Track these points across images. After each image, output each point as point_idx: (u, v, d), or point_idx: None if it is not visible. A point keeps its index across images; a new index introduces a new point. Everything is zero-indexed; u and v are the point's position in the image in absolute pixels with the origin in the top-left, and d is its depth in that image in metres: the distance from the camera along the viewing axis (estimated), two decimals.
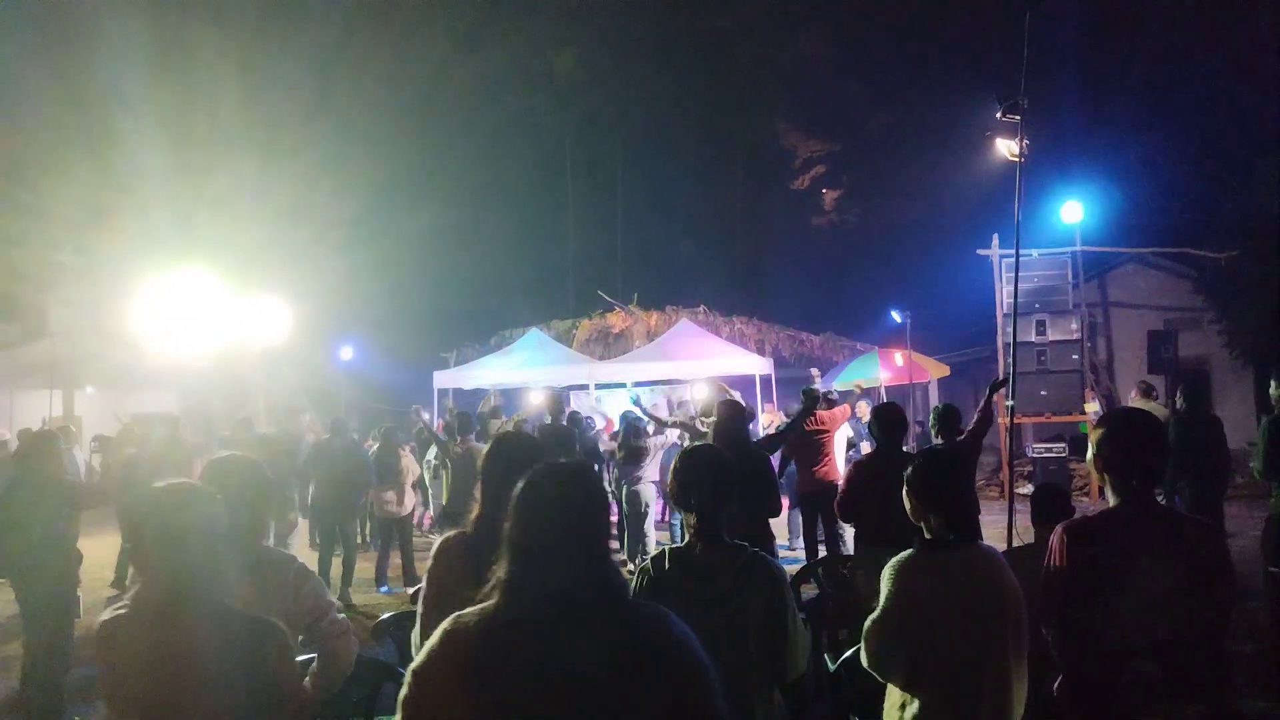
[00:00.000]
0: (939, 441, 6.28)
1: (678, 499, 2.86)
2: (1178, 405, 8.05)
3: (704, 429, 9.18)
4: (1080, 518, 2.77)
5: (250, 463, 3.09)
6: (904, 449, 5.75)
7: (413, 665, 1.77)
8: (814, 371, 13.91)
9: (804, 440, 8.98)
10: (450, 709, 1.70)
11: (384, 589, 9.37)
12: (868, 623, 2.94)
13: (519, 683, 1.68)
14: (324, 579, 8.98)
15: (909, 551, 2.96)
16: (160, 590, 2.40)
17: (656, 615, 1.80)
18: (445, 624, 1.79)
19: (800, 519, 9.78)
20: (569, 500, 1.83)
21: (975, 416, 6.15)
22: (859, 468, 5.70)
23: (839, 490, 5.87)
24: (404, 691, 1.76)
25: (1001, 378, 7.71)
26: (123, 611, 2.44)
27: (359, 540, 10.88)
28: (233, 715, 2.37)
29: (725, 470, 2.86)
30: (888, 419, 5.70)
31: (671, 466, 2.94)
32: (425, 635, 2.75)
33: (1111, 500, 2.76)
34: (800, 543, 9.97)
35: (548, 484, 1.86)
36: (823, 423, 9.11)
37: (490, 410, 12.72)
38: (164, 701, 2.35)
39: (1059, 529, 2.77)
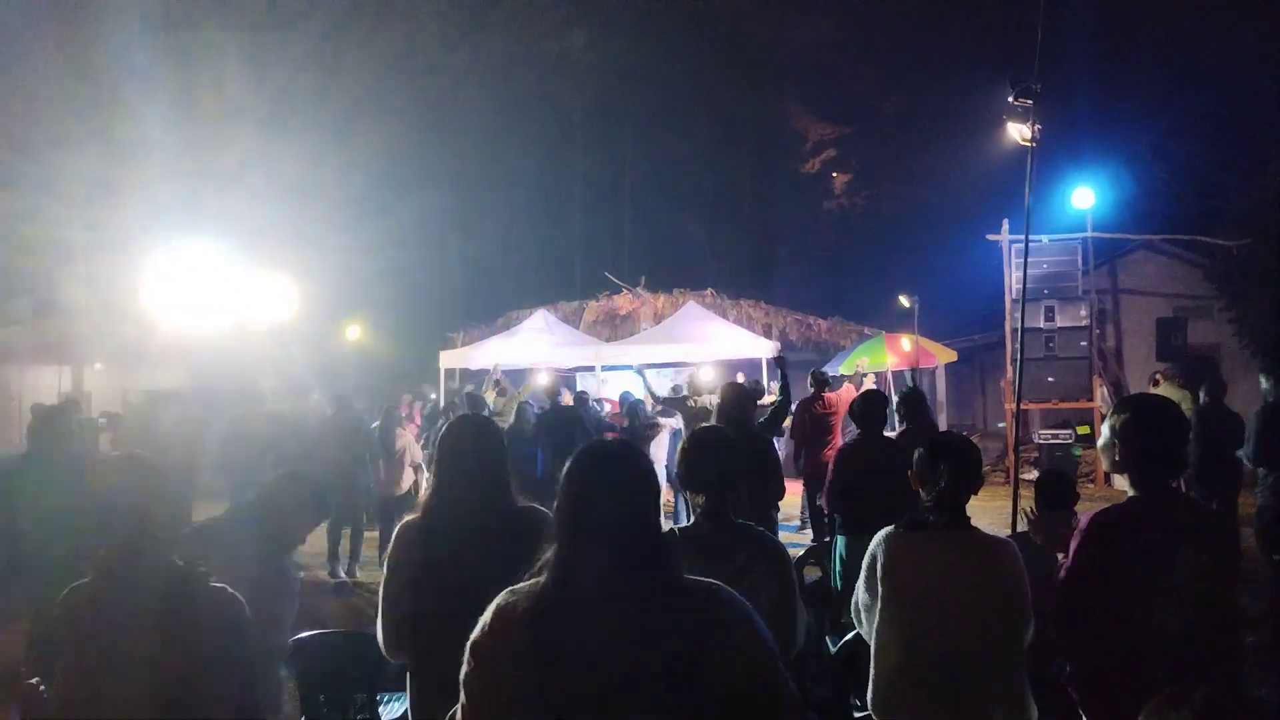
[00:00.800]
0: (905, 426, 6.44)
1: (685, 480, 2.90)
2: (1201, 399, 8.08)
3: (694, 404, 9.25)
4: (1105, 510, 2.71)
5: (150, 465, 3.07)
6: (885, 435, 5.79)
7: (470, 640, 1.78)
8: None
9: (811, 423, 9.01)
10: (510, 683, 1.72)
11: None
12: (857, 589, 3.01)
13: (578, 659, 1.70)
14: (334, 556, 9.13)
15: (893, 527, 3.01)
16: (113, 550, 2.45)
17: (714, 589, 1.81)
18: (498, 599, 1.81)
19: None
20: (618, 477, 1.84)
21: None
22: (841, 456, 5.74)
23: (825, 481, 5.91)
24: (464, 669, 1.78)
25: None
26: (76, 585, 2.47)
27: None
28: (185, 685, 2.35)
29: (732, 451, 2.90)
30: (866, 406, 5.74)
31: (679, 448, 2.98)
32: (385, 622, 2.76)
33: (1130, 490, 2.71)
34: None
35: (595, 462, 1.88)
36: (830, 405, 9.14)
37: (492, 384, 12.72)
38: (115, 665, 2.34)
39: (1084, 522, 2.70)
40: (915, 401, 6.62)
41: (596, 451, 1.91)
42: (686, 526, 2.87)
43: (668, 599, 1.75)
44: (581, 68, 31.61)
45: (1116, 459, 2.72)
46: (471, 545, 2.65)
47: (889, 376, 15.47)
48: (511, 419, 9.82)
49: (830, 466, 5.87)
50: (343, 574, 9.13)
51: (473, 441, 2.91)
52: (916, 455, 3.06)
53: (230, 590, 2.50)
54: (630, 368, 14.16)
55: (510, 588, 1.82)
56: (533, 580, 1.81)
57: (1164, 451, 2.69)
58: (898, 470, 3.45)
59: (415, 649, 2.77)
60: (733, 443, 2.94)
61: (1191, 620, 2.56)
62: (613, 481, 1.83)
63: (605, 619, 1.71)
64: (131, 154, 17.83)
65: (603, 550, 1.76)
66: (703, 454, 2.87)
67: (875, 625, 2.94)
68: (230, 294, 13.84)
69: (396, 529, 2.87)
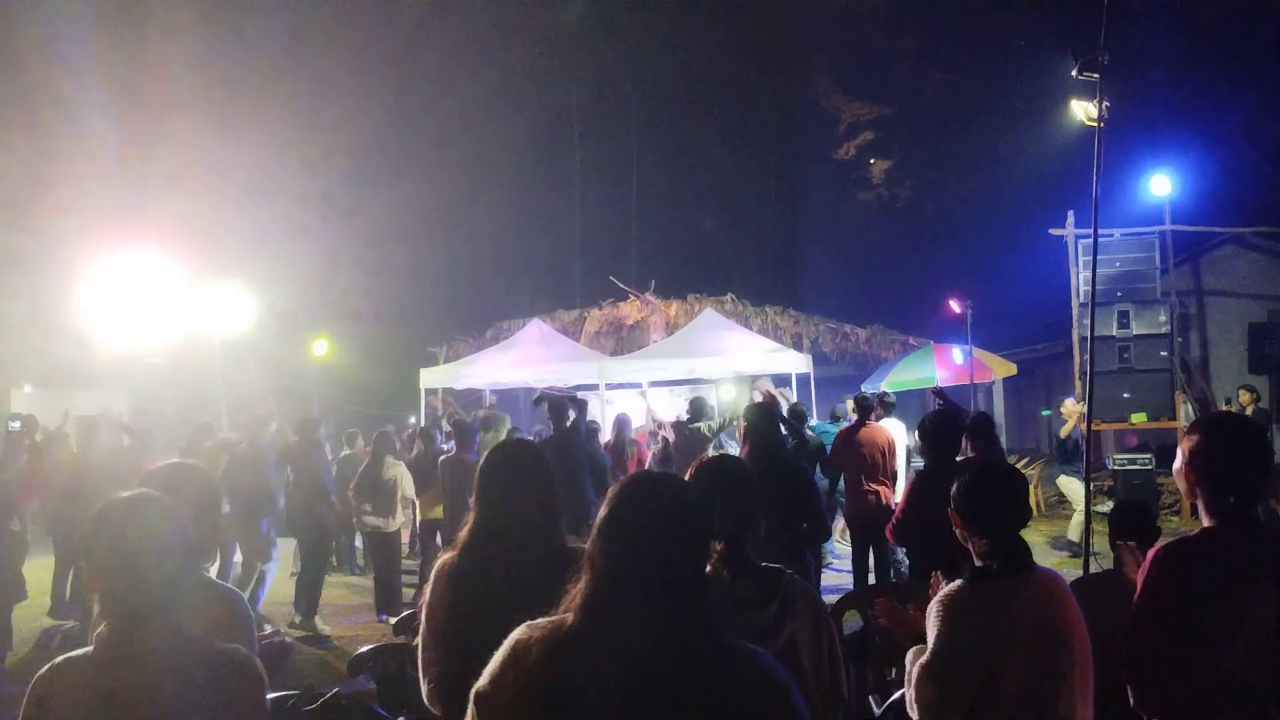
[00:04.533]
0: (973, 454, 6.35)
1: None
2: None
3: (691, 429, 9.21)
4: (1174, 541, 2.72)
5: (201, 472, 3.11)
6: (957, 461, 5.74)
7: (476, 687, 1.82)
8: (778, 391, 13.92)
9: (854, 453, 8.96)
10: None
11: (385, 617, 9.36)
12: (915, 668, 2.94)
13: (593, 711, 1.71)
14: (311, 604, 9.09)
15: (957, 584, 2.96)
16: (115, 621, 2.37)
17: (755, 656, 1.82)
18: (513, 635, 1.84)
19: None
20: (664, 518, 1.84)
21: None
22: (914, 488, 5.70)
23: (894, 512, 5.87)
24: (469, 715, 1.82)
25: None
26: (62, 660, 2.39)
27: (332, 560, 10.99)
28: None
29: (748, 484, 2.88)
30: (933, 430, 5.69)
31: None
32: (426, 674, 2.78)
33: (1205, 520, 2.71)
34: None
35: (640, 499, 1.88)
36: (874, 436, 9.09)
37: (485, 418, 12.73)
38: None
39: (1149, 556, 2.71)
40: (986, 425, 6.58)
41: (640, 486, 1.92)
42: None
43: (705, 659, 1.75)
44: (580, 41, 31.73)
45: (1190, 486, 2.74)
46: (515, 590, 2.65)
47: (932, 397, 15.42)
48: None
49: (902, 498, 5.83)
50: (284, 628, 9.08)
51: (522, 469, 2.95)
52: (956, 490, 3.05)
53: (244, 652, 2.49)
54: (639, 386, 14.14)
55: (529, 622, 1.84)
56: (555, 618, 1.83)
57: (1239, 477, 2.68)
58: None
59: (453, 706, 2.75)
60: (748, 474, 2.92)
61: (1270, 667, 2.55)
62: (662, 518, 1.83)
63: (631, 672, 1.72)
64: (65, 146, 17.94)
65: (640, 594, 1.77)
66: (714, 491, 2.81)
67: (936, 688, 2.91)
68: (177, 306, 13.88)
69: (435, 569, 2.91)
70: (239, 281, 15.09)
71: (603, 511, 1.86)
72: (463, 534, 2.93)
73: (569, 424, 8.61)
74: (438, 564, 2.92)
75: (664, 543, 1.81)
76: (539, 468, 2.98)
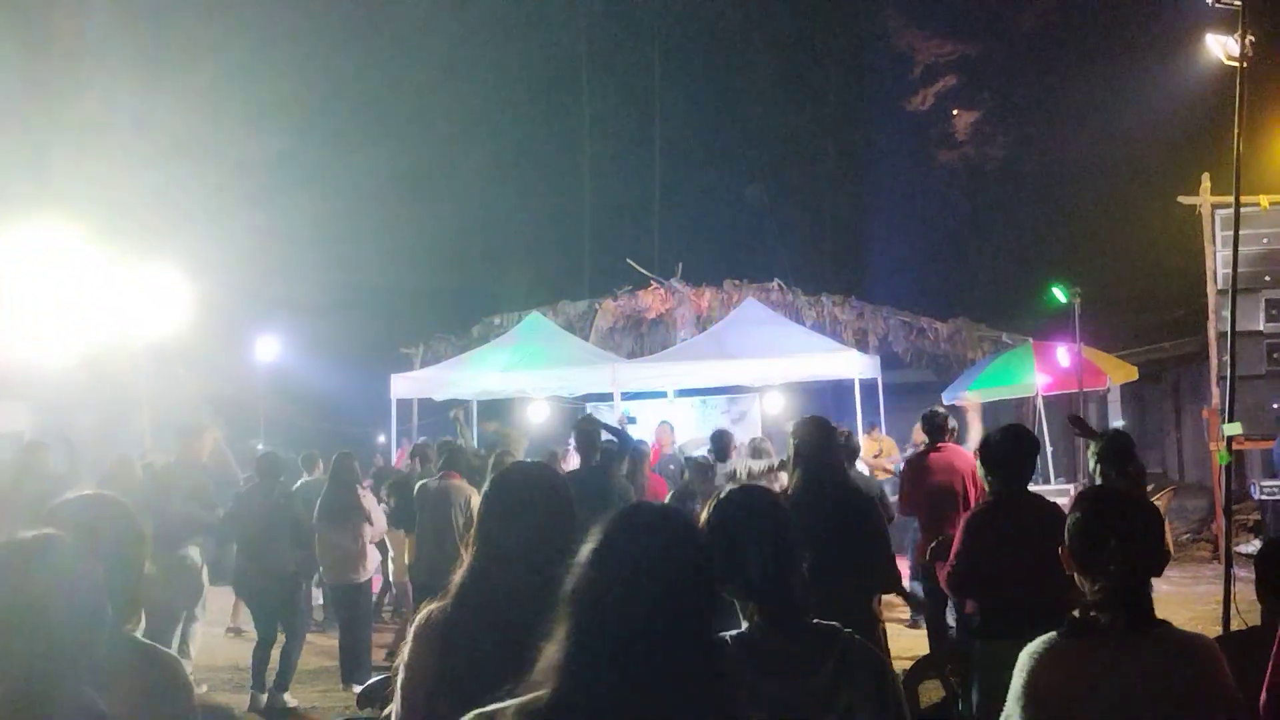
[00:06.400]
0: (1100, 480, 6.33)
1: (721, 569, 2.83)
2: None
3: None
4: None
5: (120, 506, 3.09)
6: (1030, 492, 5.69)
7: None
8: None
9: (927, 486, 8.89)
10: None
11: (350, 684, 9.38)
12: None
13: None
14: (259, 675, 9.18)
15: (1050, 635, 2.96)
16: (10, 689, 2.37)
17: None
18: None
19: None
20: (666, 561, 1.85)
21: None
22: (975, 525, 5.62)
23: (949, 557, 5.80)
24: None
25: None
26: None
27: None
28: None
29: (784, 517, 2.88)
30: (1006, 449, 5.62)
31: (702, 522, 2.90)
32: None
33: None
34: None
35: (634, 537, 1.88)
36: (951, 463, 9.03)
37: (495, 436, 12.75)
38: None
39: None
40: (1123, 450, 6.51)
41: (633, 522, 1.93)
42: (744, 633, 2.82)
43: None
44: None
45: None
46: (513, 653, 2.65)
47: (1037, 404, 15.30)
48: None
49: (957, 538, 5.76)
50: (262, 700, 9.16)
51: (532, 501, 2.94)
52: (1070, 524, 3.04)
53: None
54: (664, 395, 14.10)
55: (483, 710, 1.85)
56: (525, 698, 1.82)
57: None
58: (1058, 544, 3.40)
59: None
60: (780, 505, 2.92)
61: None
62: (654, 566, 1.83)
63: None
64: None
65: (628, 660, 1.76)
66: (740, 531, 2.81)
67: None
68: (90, 298, 13.93)
69: (416, 622, 2.90)
70: (167, 268, 15.15)
71: (588, 554, 1.86)
72: (455, 579, 2.93)
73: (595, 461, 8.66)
74: (420, 615, 2.91)
75: (666, 590, 1.81)
76: (554, 499, 2.98)
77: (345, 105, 26.72)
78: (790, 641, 2.74)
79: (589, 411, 17.44)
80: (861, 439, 12.65)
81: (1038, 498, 5.70)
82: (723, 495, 2.97)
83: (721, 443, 9.92)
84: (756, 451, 9.44)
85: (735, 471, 9.36)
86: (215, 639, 9.78)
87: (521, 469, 3.15)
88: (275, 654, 9.36)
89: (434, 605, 2.91)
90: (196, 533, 9.24)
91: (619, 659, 1.76)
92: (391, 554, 12.23)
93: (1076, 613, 2.97)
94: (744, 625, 2.85)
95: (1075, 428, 8.15)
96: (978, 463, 5.88)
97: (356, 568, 9.71)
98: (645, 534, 1.87)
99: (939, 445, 9.10)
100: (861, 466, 11.31)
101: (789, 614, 2.77)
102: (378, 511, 9.99)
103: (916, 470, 9.06)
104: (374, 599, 11.60)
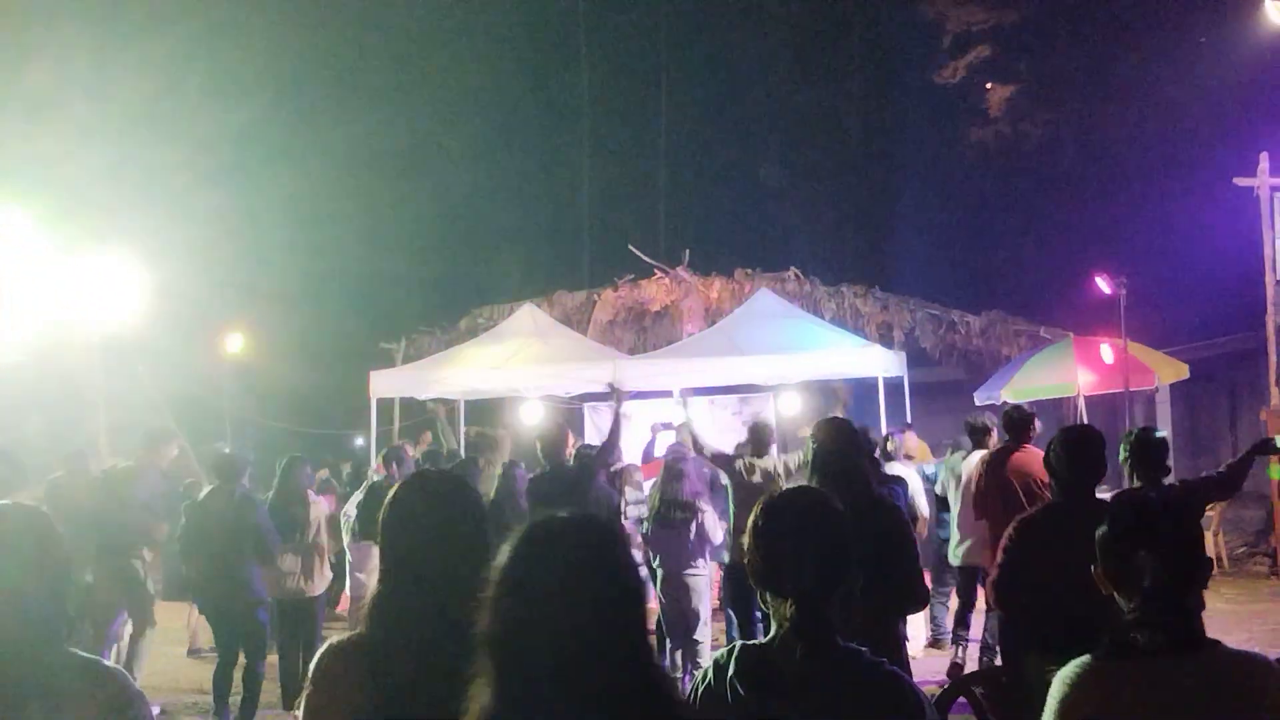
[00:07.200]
0: (1136, 484, 6.35)
1: (762, 575, 2.84)
2: None
3: (749, 471, 9.16)
4: None
5: (39, 517, 3.07)
6: (1096, 497, 5.69)
7: None
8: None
9: (1004, 489, 8.89)
10: None
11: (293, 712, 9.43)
12: None
13: None
14: (221, 700, 9.19)
15: (1085, 658, 2.94)
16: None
17: None
18: None
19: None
20: (590, 573, 1.86)
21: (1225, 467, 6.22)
22: (1023, 530, 5.62)
23: (994, 563, 5.80)
24: None
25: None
26: None
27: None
28: None
29: (840, 530, 2.87)
30: (1072, 451, 5.63)
31: (750, 524, 2.92)
32: None
33: None
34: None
35: (552, 549, 1.90)
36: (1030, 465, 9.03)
37: (476, 438, 12.75)
38: None
39: None
40: (1152, 447, 6.49)
41: (549, 532, 1.94)
42: (760, 646, 2.82)
43: None
44: None
45: None
46: (434, 681, 2.64)
47: (1078, 405, 15.30)
48: (492, 491, 9.79)
49: (1002, 544, 5.76)
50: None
51: (435, 516, 2.93)
52: (1098, 537, 3.05)
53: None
54: (668, 394, 14.07)
55: None
56: None
57: None
58: None
59: None
60: (837, 512, 2.90)
61: None
62: (577, 580, 1.85)
63: None
64: None
65: (558, 697, 1.77)
66: (790, 536, 2.82)
67: None
68: (40, 286, 13.93)
69: (319, 654, 2.90)
70: (124, 254, 15.15)
71: (500, 572, 1.87)
72: (365, 607, 2.95)
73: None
74: (324, 649, 2.92)
75: (593, 605, 1.82)
76: (454, 505, 2.99)
77: (319, 73, 26.72)
78: (818, 662, 2.73)
79: (588, 413, 17.52)
80: (906, 439, 12.63)
81: (1101, 504, 5.68)
82: (772, 498, 2.98)
83: (760, 436, 9.93)
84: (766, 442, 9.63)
85: (774, 469, 9.42)
86: (176, 660, 9.77)
87: (421, 480, 3.15)
88: (238, 676, 9.37)
89: (339, 638, 2.92)
90: (147, 544, 9.24)
91: (547, 698, 1.77)
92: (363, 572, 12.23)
93: (1113, 633, 2.96)
94: (766, 636, 2.86)
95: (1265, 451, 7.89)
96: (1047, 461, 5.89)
97: (308, 581, 9.73)
98: (555, 548, 1.88)
99: (1022, 444, 9.13)
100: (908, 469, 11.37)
101: (822, 633, 2.76)
102: (331, 521, 10.01)
103: (995, 469, 9.07)
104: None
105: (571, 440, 13.19)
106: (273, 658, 10.05)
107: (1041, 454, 9.03)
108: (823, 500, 2.96)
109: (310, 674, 2.88)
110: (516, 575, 1.85)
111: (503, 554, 1.89)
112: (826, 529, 2.84)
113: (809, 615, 2.74)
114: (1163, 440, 6.51)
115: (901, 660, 5.51)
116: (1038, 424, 9.47)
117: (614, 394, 10.90)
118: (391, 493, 3.05)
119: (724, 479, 10.14)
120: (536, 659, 1.79)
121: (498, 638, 1.82)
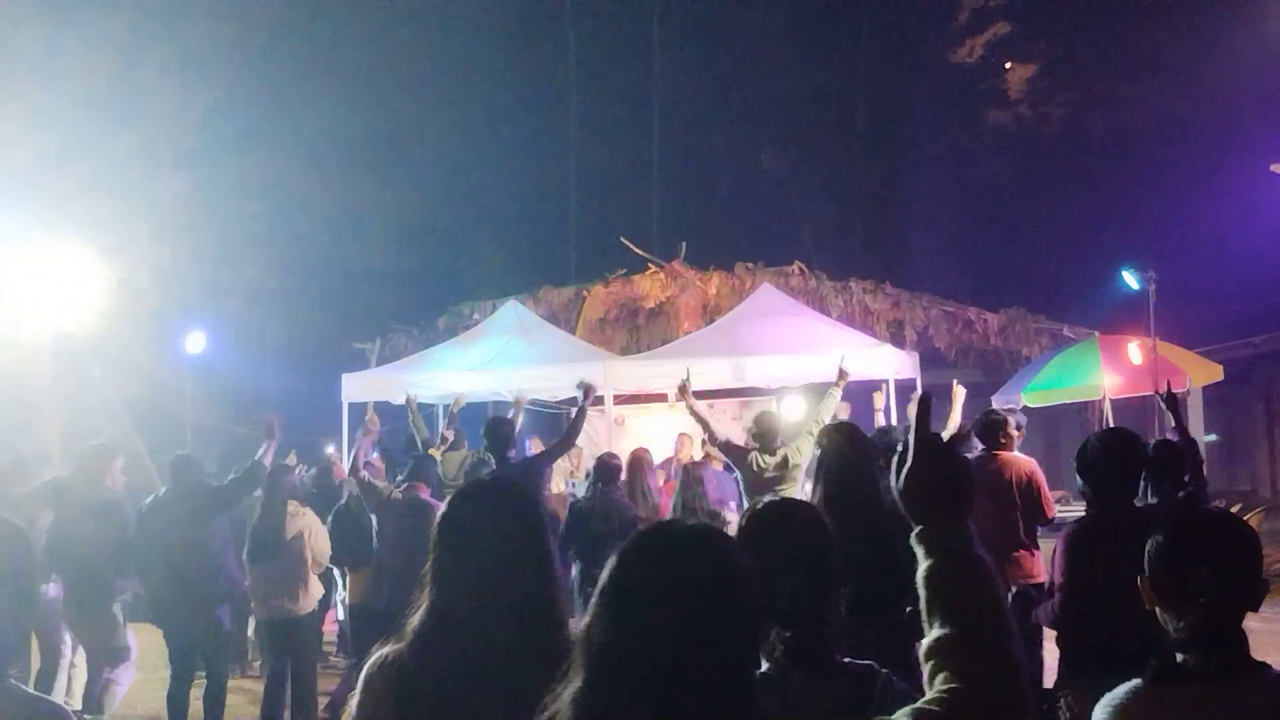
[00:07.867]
0: (1151, 498, 6.42)
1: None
2: None
3: (760, 463, 9.18)
4: None
5: (9, 527, 3.09)
6: (1138, 507, 5.72)
7: None
8: None
9: (981, 498, 8.89)
10: None
11: None
12: None
13: None
14: None
15: (1134, 682, 2.94)
16: None
17: None
18: None
19: None
20: (692, 590, 1.85)
21: None
22: (1075, 542, 5.64)
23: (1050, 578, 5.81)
24: None
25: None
26: None
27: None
28: None
29: (824, 540, 2.90)
30: (1112, 459, 5.65)
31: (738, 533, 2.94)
32: None
33: None
34: None
35: (662, 563, 1.89)
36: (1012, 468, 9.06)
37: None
38: None
39: None
40: (1172, 455, 6.52)
41: (657, 545, 1.95)
42: (764, 673, 2.82)
43: None
44: None
45: None
46: (487, 699, 2.71)
47: (1104, 409, 15.32)
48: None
49: (1059, 557, 5.78)
50: None
51: (497, 524, 2.95)
52: (1151, 549, 3.04)
53: None
54: (665, 398, 14.10)
55: None
56: None
57: None
58: None
59: None
60: (822, 525, 2.93)
61: None
62: (698, 583, 1.85)
63: None
64: None
65: (650, 707, 1.79)
66: (778, 554, 2.82)
67: None
68: None
69: (367, 668, 2.92)
70: (78, 246, 15.14)
71: (605, 575, 1.87)
72: (413, 620, 2.94)
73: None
74: (372, 660, 2.93)
75: (708, 628, 1.80)
76: (521, 521, 2.98)
77: (287, 51, 26.71)
78: (820, 683, 2.75)
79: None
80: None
81: (1141, 515, 5.70)
82: (755, 508, 3.00)
83: (766, 427, 9.91)
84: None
85: (788, 460, 9.44)
86: (145, 684, 9.74)
87: (480, 489, 3.18)
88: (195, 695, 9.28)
89: (388, 648, 2.92)
90: (115, 569, 9.19)
91: (638, 707, 1.76)
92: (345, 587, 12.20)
93: (1175, 658, 2.96)
94: (764, 664, 2.87)
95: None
96: (1076, 475, 5.89)
97: (295, 597, 9.66)
98: (675, 554, 1.88)
99: (997, 450, 9.15)
100: None
101: (820, 653, 2.78)
102: (320, 532, 9.92)
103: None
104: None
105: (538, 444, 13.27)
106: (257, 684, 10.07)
107: (1022, 460, 9.10)
108: (805, 512, 3.01)
109: (359, 685, 2.91)
110: (618, 581, 1.87)
111: (620, 550, 1.90)
112: (812, 542, 2.88)
113: (805, 638, 2.78)
114: (1179, 451, 6.52)
115: (917, 680, 5.52)
116: (1014, 428, 9.52)
117: (585, 391, 10.89)
118: (446, 502, 3.06)
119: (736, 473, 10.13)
120: (628, 669, 1.79)
121: (591, 639, 1.83)
